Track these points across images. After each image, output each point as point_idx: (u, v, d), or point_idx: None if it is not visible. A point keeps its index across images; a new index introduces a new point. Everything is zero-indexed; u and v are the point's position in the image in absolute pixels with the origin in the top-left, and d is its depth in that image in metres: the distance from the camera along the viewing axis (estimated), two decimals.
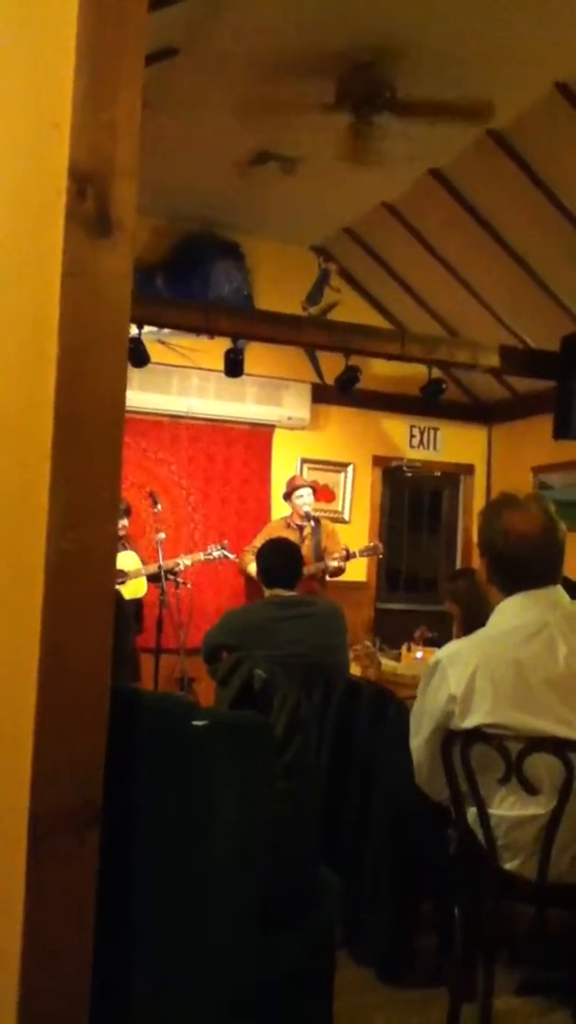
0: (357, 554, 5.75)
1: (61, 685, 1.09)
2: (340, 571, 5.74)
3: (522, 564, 2.19)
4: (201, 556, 5.64)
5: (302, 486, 5.92)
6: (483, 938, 2.30)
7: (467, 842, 2.16)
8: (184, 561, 5.55)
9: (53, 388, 1.11)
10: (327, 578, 5.78)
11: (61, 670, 1.09)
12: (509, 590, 2.20)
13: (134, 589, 5.42)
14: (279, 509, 6.37)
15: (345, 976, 2.26)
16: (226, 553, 5.67)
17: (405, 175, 5.19)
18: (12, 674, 1.09)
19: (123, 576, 5.28)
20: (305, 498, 5.83)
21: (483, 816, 2.08)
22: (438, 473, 7.29)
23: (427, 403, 5.58)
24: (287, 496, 5.98)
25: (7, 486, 1.11)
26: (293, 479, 6.12)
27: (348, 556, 5.69)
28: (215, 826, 1.48)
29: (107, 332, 1.15)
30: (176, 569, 5.48)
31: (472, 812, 2.12)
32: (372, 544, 6.11)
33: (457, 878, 2.27)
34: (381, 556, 6.42)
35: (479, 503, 7.12)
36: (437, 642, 4.47)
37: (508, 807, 2.08)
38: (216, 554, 5.64)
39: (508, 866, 2.10)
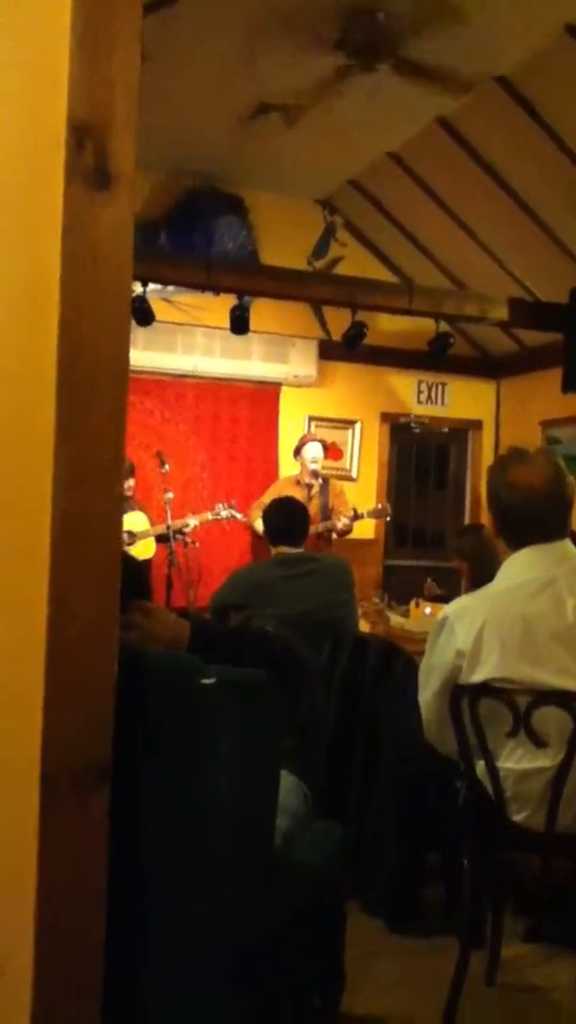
0: (365, 515, 5.74)
1: (69, 645, 1.10)
2: (347, 531, 5.74)
3: (530, 518, 2.18)
4: (209, 516, 5.64)
5: (311, 440, 5.90)
6: (491, 888, 2.34)
7: (475, 795, 2.19)
8: (192, 521, 5.55)
9: (55, 346, 1.10)
10: (334, 537, 5.78)
11: (68, 630, 1.10)
12: (517, 544, 2.20)
13: (142, 550, 5.43)
14: (287, 467, 6.36)
15: (355, 925, 2.30)
16: (234, 512, 5.66)
17: (410, 124, 5.09)
18: (20, 635, 1.10)
19: (131, 537, 5.29)
20: (313, 452, 5.80)
21: (491, 769, 2.10)
22: (446, 429, 7.26)
23: (435, 358, 5.53)
24: (297, 452, 5.96)
25: (10, 447, 1.11)
26: (306, 436, 6.11)
27: (356, 517, 5.68)
28: (224, 782, 1.50)
29: (108, 286, 1.14)
30: (184, 529, 5.48)
31: (480, 765, 2.14)
32: (380, 506, 6.10)
33: (465, 830, 2.30)
34: (389, 518, 6.40)
35: (487, 458, 7.09)
36: (445, 598, 4.48)
37: (516, 760, 2.10)
38: (224, 513, 5.64)
39: (516, 818, 2.12)
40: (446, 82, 4.27)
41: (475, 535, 4.21)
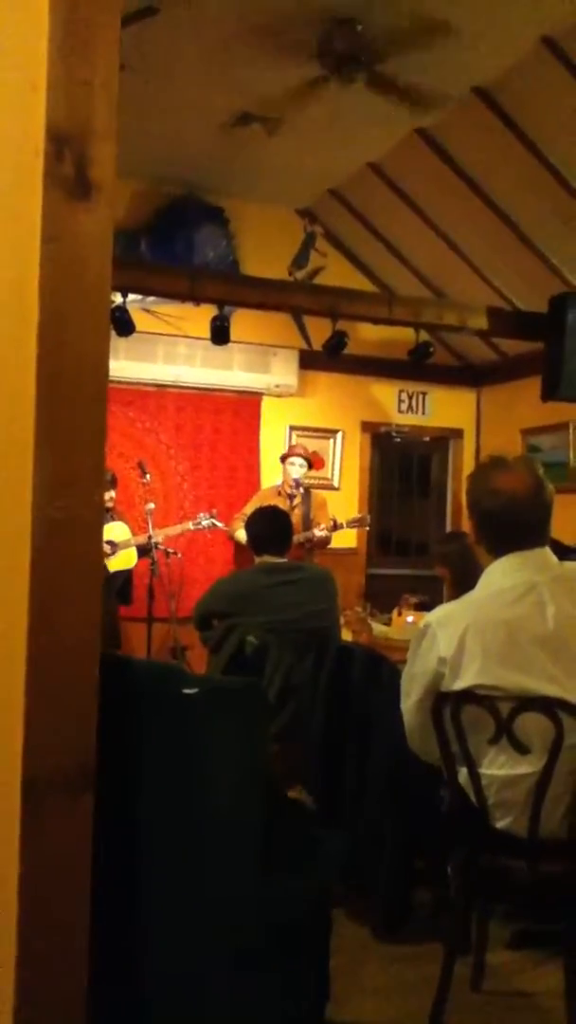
0: (344, 525, 5.74)
1: (51, 651, 1.09)
2: (326, 542, 5.72)
3: (510, 525, 2.19)
4: (190, 525, 5.63)
5: (299, 455, 5.89)
6: (477, 894, 2.34)
7: (459, 801, 2.19)
8: (173, 531, 5.55)
9: (34, 355, 1.10)
10: (314, 549, 5.77)
11: (50, 637, 1.09)
12: (498, 551, 2.21)
13: (124, 559, 5.41)
14: (269, 477, 6.36)
15: (342, 932, 2.30)
16: (215, 522, 5.66)
17: (390, 135, 5.12)
18: (2, 641, 1.09)
19: (112, 547, 5.27)
20: (297, 466, 5.81)
21: (474, 776, 2.11)
22: (427, 438, 7.28)
23: (415, 367, 5.54)
24: (283, 459, 5.95)
25: None
26: (293, 447, 6.11)
27: (335, 527, 5.67)
28: (209, 790, 1.50)
29: (88, 295, 1.14)
30: (158, 541, 5.45)
31: (463, 772, 2.15)
32: (360, 515, 6.10)
33: (450, 836, 2.30)
34: (368, 527, 6.41)
35: (468, 467, 7.12)
36: (427, 606, 4.49)
37: (499, 766, 2.11)
38: (205, 523, 5.63)
39: (500, 824, 2.12)
40: (414, 100, 4.33)
41: (458, 542, 4.22)
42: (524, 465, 2.27)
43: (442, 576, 4.31)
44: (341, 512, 5.89)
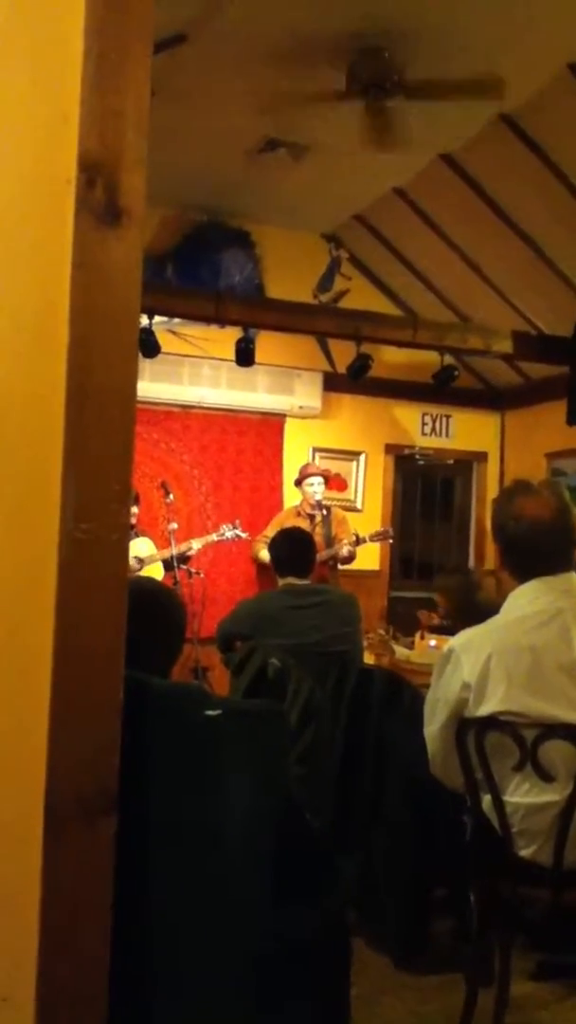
0: (367, 539, 5.73)
1: (75, 674, 1.10)
2: (351, 558, 5.72)
3: (535, 550, 2.18)
4: (214, 537, 5.65)
5: (313, 475, 5.90)
6: (499, 923, 2.31)
7: (482, 829, 2.16)
8: (196, 543, 5.57)
9: (64, 378, 1.12)
10: (339, 566, 5.77)
11: (75, 660, 1.10)
12: (523, 576, 2.20)
13: (151, 575, 5.43)
14: (291, 498, 6.37)
15: (361, 962, 2.27)
16: (239, 532, 5.67)
17: (415, 160, 5.15)
18: (27, 663, 1.10)
19: (139, 563, 5.30)
20: (315, 487, 5.82)
21: (498, 803, 2.09)
22: (451, 461, 7.27)
23: (439, 390, 5.55)
24: (298, 483, 5.98)
25: (19, 477, 1.12)
26: (305, 467, 6.12)
27: (359, 541, 5.67)
28: (229, 813, 1.49)
29: (117, 321, 1.15)
30: (188, 553, 5.49)
31: (487, 799, 2.12)
32: (383, 529, 6.10)
33: (472, 864, 2.27)
34: (392, 540, 6.39)
35: (492, 490, 7.09)
36: (450, 630, 4.47)
37: (523, 794, 2.08)
38: (229, 534, 5.64)
39: (524, 853, 2.10)
40: (464, 94, 4.14)
41: (463, 577, 4.29)
42: (549, 490, 2.26)
43: (439, 603, 4.35)
44: (362, 533, 5.88)
